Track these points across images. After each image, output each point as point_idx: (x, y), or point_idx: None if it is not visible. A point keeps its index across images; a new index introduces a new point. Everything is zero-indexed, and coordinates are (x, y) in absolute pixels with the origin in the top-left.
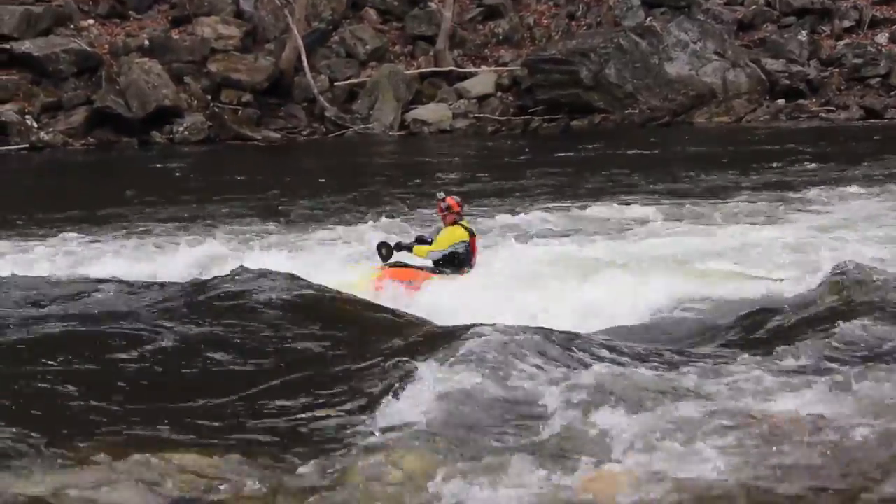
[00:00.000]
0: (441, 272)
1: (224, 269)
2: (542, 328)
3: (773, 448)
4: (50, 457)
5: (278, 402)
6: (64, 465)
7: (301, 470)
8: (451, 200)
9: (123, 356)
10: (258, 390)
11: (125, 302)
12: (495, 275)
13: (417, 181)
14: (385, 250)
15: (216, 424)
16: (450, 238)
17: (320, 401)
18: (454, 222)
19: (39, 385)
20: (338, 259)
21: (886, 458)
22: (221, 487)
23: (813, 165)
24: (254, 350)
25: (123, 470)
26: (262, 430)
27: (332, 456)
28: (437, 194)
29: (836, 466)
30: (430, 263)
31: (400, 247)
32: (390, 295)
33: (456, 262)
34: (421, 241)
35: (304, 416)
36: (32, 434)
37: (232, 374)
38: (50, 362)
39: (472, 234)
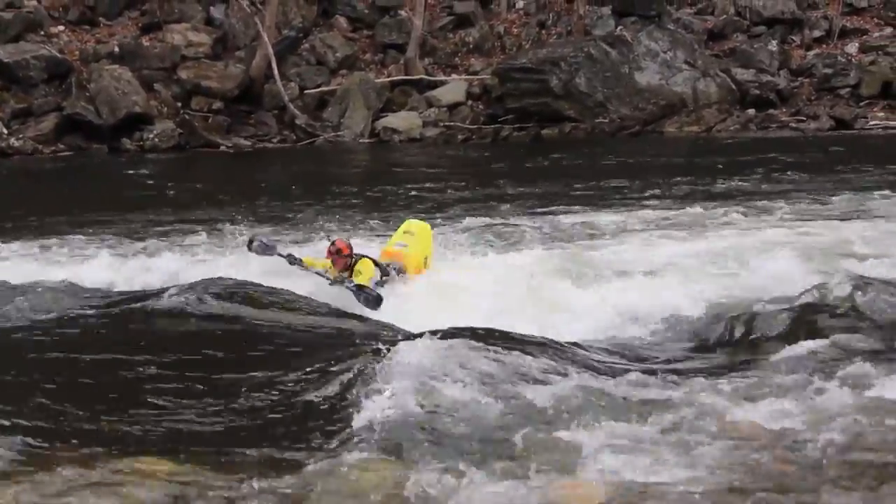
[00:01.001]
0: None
1: (189, 278)
2: (511, 336)
3: (745, 457)
4: (20, 464)
5: (246, 412)
6: (34, 472)
7: (268, 479)
8: (341, 244)
9: (90, 365)
10: (226, 399)
11: (90, 308)
12: (459, 281)
13: (387, 190)
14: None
15: (185, 433)
16: (368, 272)
17: (288, 410)
18: (347, 265)
19: (4, 393)
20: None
21: (856, 468)
22: (190, 495)
23: (785, 175)
24: (221, 360)
25: (94, 477)
26: (230, 440)
27: (299, 466)
28: (330, 239)
29: (805, 476)
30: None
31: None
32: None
33: None
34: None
35: (272, 424)
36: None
37: (201, 384)
38: (15, 370)
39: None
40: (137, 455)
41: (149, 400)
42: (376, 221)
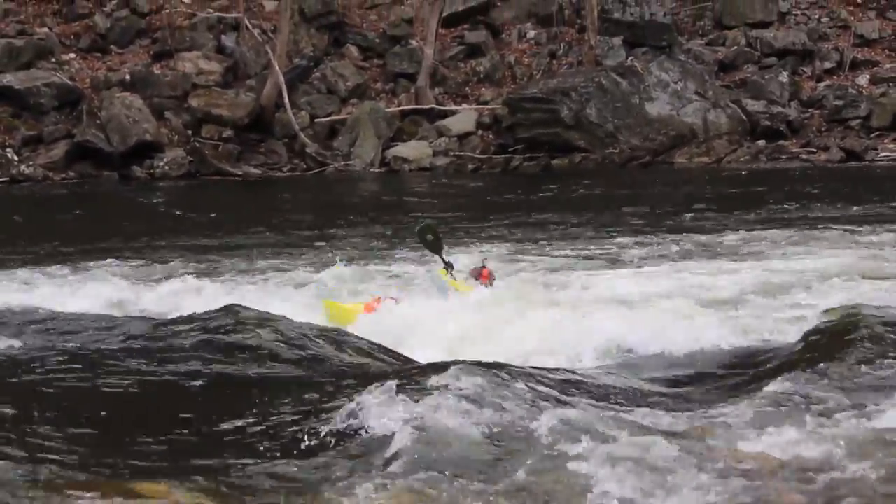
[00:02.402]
0: None
1: (197, 306)
2: (518, 366)
3: (754, 487)
4: (20, 488)
5: (251, 439)
6: (34, 496)
7: None
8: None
9: (96, 389)
10: (231, 426)
11: (101, 335)
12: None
13: (396, 219)
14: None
15: (187, 458)
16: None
17: (293, 438)
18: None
19: (10, 416)
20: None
21: (867, 497)
22: None
23: (795, 206)
24: (229, 386)
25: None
26: (233, 467)
27: (302, 494)
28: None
29: None
30: None
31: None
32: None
33: None
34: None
35: (276, 452)
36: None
37: (207, 409)
38: (21, 396)
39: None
40: (141, 480)
41: (156, 426)
42: (386, 251)
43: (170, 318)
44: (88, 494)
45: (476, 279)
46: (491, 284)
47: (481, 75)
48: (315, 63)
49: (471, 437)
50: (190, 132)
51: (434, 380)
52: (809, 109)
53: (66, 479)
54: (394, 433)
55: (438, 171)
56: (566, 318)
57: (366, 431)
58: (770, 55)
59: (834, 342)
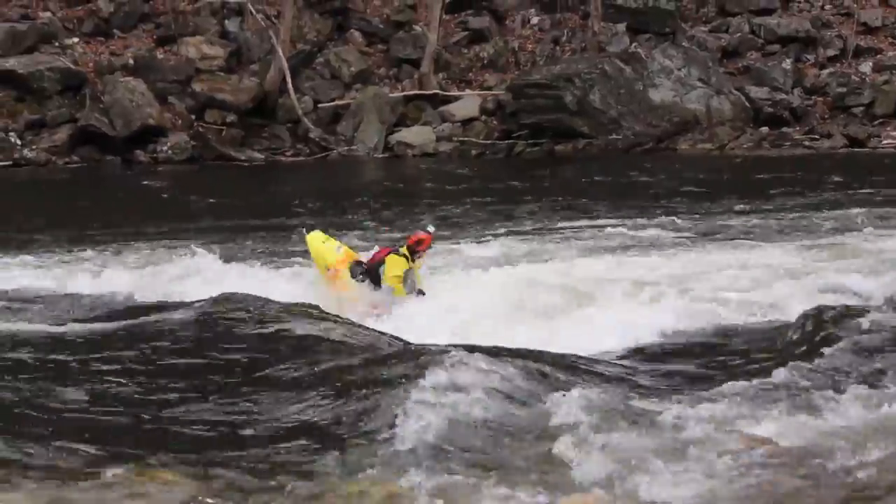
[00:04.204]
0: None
1: (197, 292)
2: (516, 350)
3: (757, 472)
4: (33, 473)
5: (259, 425)
6: (49, 480)
7: (280, 493)
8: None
9: (105, 374)
10: (240, 413)
11: (102, 319)
12: (480, 296)
13: (400, 203)
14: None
15: (198, 446)
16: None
17: (300, 424)
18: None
19: (19, 400)
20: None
21: (871, 484)
22: None
23: (798, 192)
24: (236, 374)
25: (109, 485)
26: (242, 453)
27: (310, 479)
28: (429, 228)
29: (820, 492)
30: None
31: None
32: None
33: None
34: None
35: (284, 438)
36: (19, 449)
37: (215, 397)
38: (25, 379)
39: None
40: (145, 467)
41: (157, 412)
42: (388, 235)
43: (170, 302)
44: (99, 481)
45: (414, 250)
46: (421, 258)
47: (485, 61)
48: (319, 48)
49: (469, 423)
50: (193, 117)
51: (434, 365)
52: (812, 97)
53: (59, 467)
54: (394, 416)
55: (442, 157)
56: (566, 305)
57: (368, 417)
58: (773, 42)
59: (833, 329)
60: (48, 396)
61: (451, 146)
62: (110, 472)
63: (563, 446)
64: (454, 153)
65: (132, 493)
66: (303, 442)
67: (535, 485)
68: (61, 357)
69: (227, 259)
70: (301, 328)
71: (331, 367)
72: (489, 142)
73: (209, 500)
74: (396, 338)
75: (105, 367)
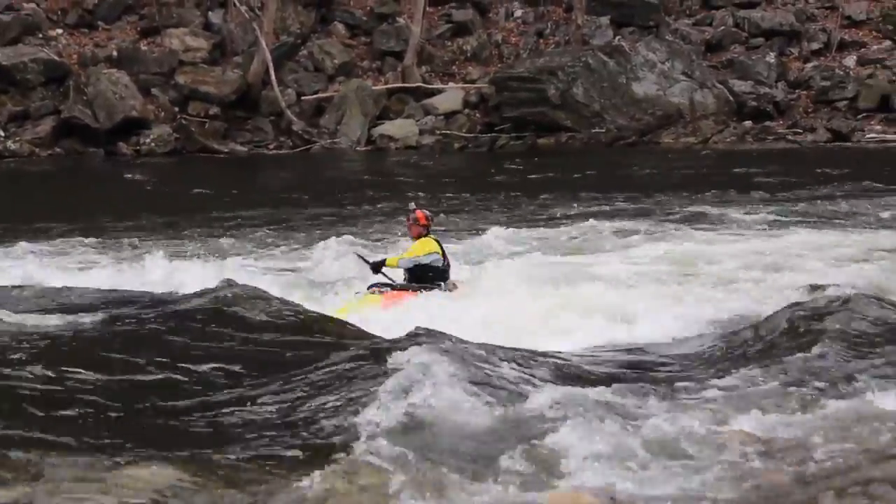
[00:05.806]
0: (422, 289)
1: (185, 283)
2: (502, 346)
3: (739, 467)
4: (12, 469)
5: (241, 418)
6: (25, 478)
7: (255, 486)
8: (420, 213)
9: (86, 369)
10: (222, 406)
11: (88, 312)
12: (480, 291)
13: (381, 197)
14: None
15: (177, 439)
16: (422, 248)
17: (281, 418)
18: (420, 235)
19: (3, 394)
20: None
21: (852, 478)
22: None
23: (781, 186)
24: (220, 366)
25: (90, 480)
26: (221, 447)
27: (289, 473)
28: (409, 205)
29: (801, 486)
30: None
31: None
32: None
33: (429, 277)
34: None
35: (258, 432)
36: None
37: (198, 390)
38: (9, 374)
39: (442, 249)
40: (130, 463)
41: (144, 406)
42: (371, 228)
43: (156, 294)
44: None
45: (412, 226)
46: (428, 232)
47: (468, 54)
48: (302, 40)
49: (456, 418)
50: (176, 109)
51: (421, 359)
52: (796, 90)
53: (51, 462)
54: (381, 411)
55: (425, 150)
56: (551, 300)
57: (344, 410)
58: (757, 35)
59: (818, 322)
60: (26, 390)
61: (434, 139)
62: (90, 463)
63: (548, 442)
64: (437, 146)
65: (116, 485)
66: (278, 434)
67: (522, 481)
68: (37, 350)
69: (206, 251)
70: (285, 320)
71: (311, 359)
72: (472, 135)
73: (193, 489)
74: (375, 335)
75: (82, 360)
